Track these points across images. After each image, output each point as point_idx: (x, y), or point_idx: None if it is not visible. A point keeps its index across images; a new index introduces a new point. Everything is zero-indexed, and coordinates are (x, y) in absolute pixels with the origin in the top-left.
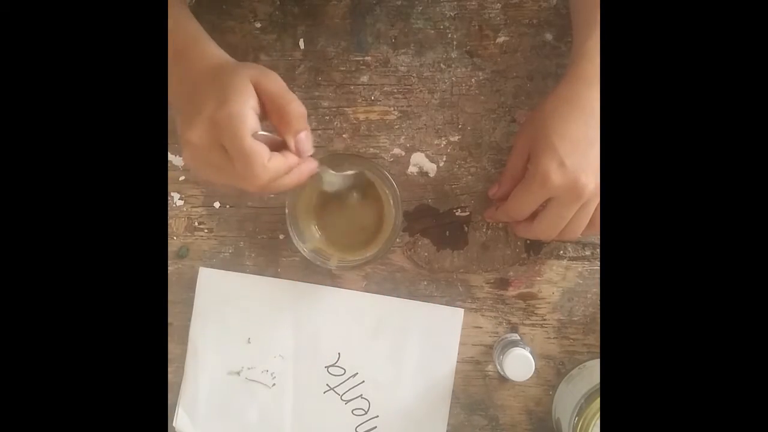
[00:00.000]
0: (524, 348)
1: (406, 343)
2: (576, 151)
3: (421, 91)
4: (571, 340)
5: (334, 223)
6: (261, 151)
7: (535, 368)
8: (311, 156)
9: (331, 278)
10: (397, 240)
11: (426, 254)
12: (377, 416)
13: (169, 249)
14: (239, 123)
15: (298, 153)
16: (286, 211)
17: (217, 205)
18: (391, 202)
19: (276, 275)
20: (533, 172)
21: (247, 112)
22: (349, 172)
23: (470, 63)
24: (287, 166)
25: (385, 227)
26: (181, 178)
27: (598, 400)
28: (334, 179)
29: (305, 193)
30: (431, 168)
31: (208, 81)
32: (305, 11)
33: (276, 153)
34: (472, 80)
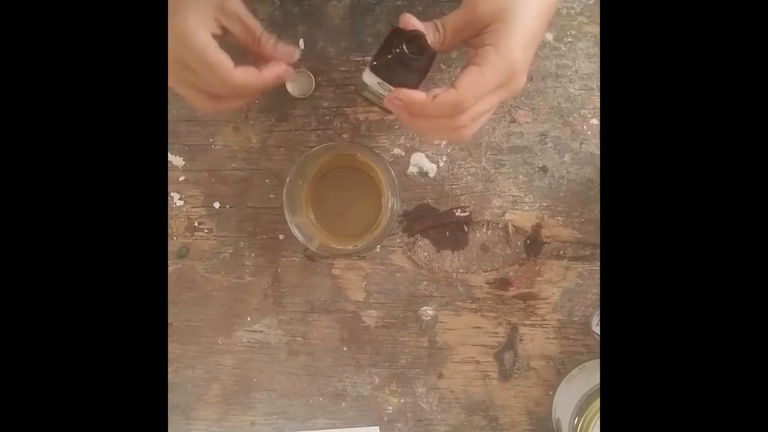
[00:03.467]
0: None
1: None
2: (530, 41)
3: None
4: (571, 340)
5: (329, 208)
6: (224, 59)
7: (535, 368)
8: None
9: (331, 278)
10: (398, 240)
11: (426, 254)
12: None
13: (169, 249)
14: (194, 37)
15: (282, 58)
16: (287, 179)
17: (217, 205)
18: (385, 184)
19: (276, 275)
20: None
21: (201, 26)
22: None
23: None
24: (255, 73)
25: (379, 222)
26: (181, 178)
27: (598, 400)
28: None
29: (309, 170)
30: (431, 168)
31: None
32: (305, 11)
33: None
34: None
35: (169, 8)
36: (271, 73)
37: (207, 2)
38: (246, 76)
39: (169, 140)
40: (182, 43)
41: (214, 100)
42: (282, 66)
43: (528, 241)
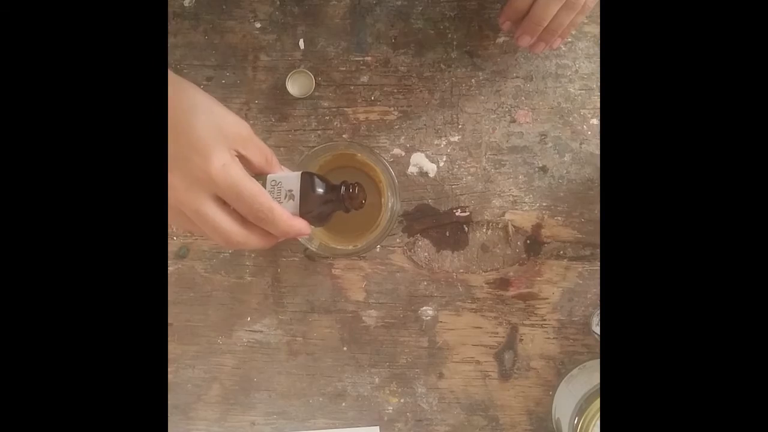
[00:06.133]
0: None
1: None
2: None
3: (421, 91)
4: (571, 340)
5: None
6: (261, 188)
7: (535, 368)
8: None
9: (331, 278)
10: (398, 240)
11: (426, 254)
12: None
13: (169, 249)
14: (228, 170)
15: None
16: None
17: None
18: (385, 184)
19: (276, 275)
20: None
21: (228, 160)
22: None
23: (470, 63)
24: (288, 214)
25: (379, 222)
26: None
27: (598, 400)
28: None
29: (314, 166)
30: (431, 168)
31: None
32: (305, 11)
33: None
34: (472, 80)
35: (180, 153)
36: (300, 223)
37: (225, 136)
38: (282, 210)
39: None
40: (212, 181)
41: (247, 227)
42: (307, 227)
43: (528, 241)
